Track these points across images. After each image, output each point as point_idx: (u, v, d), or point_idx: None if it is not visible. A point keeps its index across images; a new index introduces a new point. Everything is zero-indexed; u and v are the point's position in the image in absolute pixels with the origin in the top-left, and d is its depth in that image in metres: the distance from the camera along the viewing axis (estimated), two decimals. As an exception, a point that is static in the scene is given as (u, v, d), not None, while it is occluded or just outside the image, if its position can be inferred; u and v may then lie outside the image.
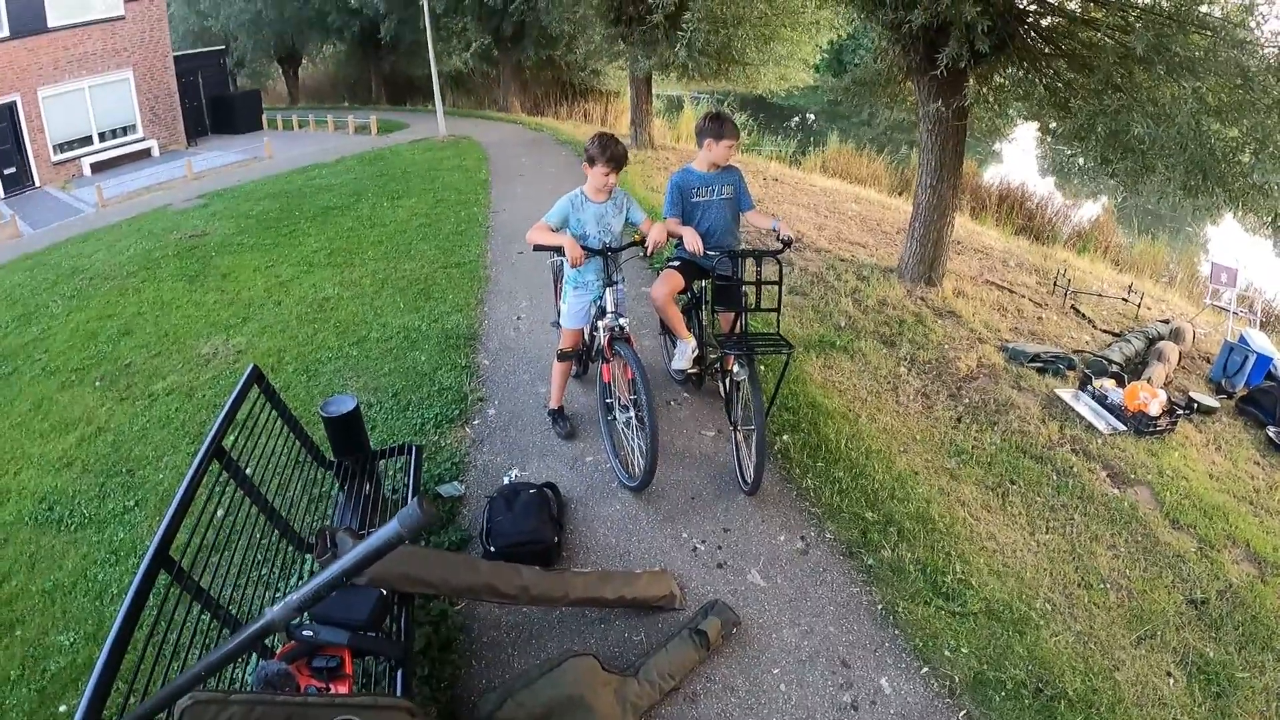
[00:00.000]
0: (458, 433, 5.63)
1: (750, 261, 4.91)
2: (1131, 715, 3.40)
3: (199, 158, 23.84)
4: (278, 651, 2.83)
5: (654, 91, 18.09)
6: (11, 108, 23.02)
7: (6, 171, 23.19)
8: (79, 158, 24.81)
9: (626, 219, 4.91)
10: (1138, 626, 3.91)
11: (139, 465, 6.15)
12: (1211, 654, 3.79)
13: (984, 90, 7.78)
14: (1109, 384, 6.11)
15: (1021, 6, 6.78)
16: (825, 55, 18.11)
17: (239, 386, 3.75)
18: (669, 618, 3.83)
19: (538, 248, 4.70)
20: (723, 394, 5.44)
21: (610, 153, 4.60)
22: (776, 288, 4.68)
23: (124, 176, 22.64)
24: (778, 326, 4.83)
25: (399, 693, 2.99)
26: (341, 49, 39.35)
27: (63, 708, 4.06)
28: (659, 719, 3.33)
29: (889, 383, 6.19)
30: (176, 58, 27.93)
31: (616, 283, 4.73)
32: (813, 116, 33.09)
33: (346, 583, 1.33)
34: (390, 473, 5.00)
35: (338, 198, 14.36)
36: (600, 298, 4.83)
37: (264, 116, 30.25)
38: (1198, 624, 3.99)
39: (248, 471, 3.55)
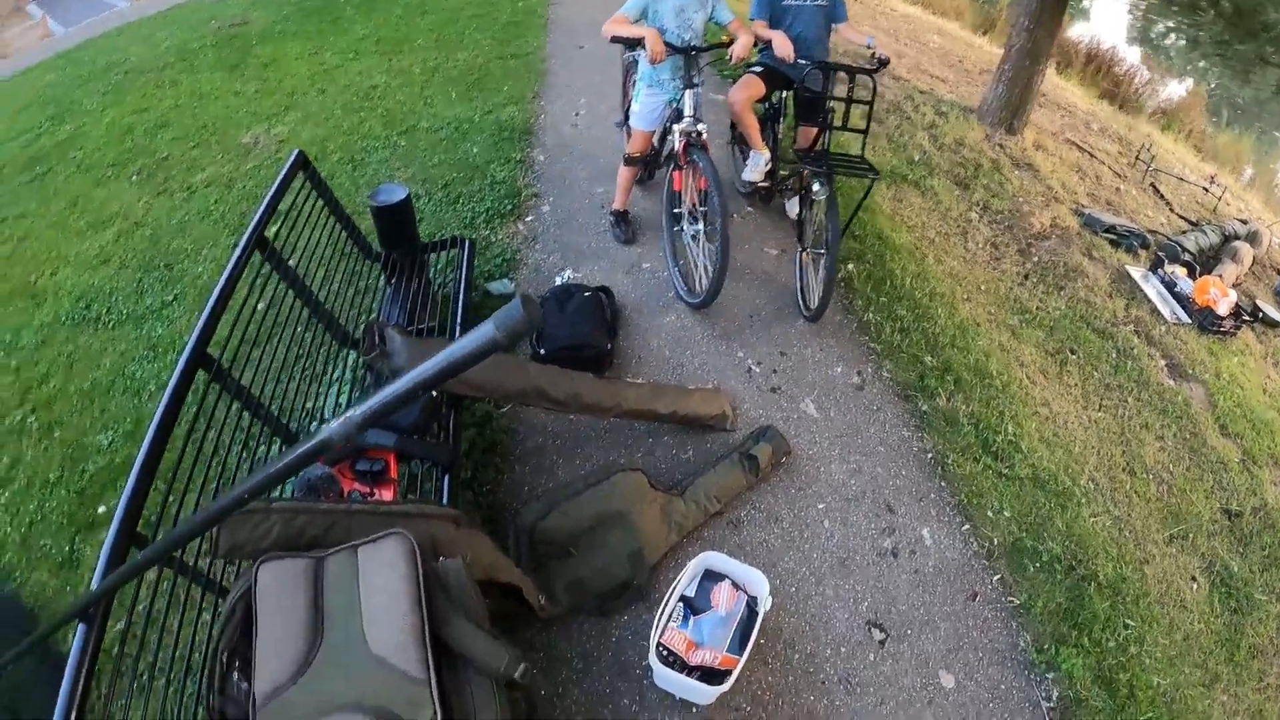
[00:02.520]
0: (509, 228, 5.47)
1: (840, 77, 4.56)
2: (1154, 611, 3.41)
3: None
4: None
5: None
6: None
7: None
8: None
9: (711, 16, 4.52)
10: (1172, 524, 3.88)
11: (177, 259, 6.08)
12: (1236, 568, 3.77)
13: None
14: (1180, 271, 5.87)
15: None
16: None
17: (282, 173, 3.56)
18: (719, 437, 3.79)
19: (615, 39, 4.35)
20: (791, 213, 5.22)
21: None
22: (867, 108, 4.40)
23: None
24: (863, 149, 4.57)
25: (444, 500, 2.97)
26: None
27: (102, 509, 4.11)
28: (701, 541, 3.33)
29: (959, 226, 5.95)
30: None
31: (696, 85, 4.40)
32: (895, -67, 31.24)
33: (421, 396, 1.22)
34: (438, 267, 4.87)
35: (387, -17, 13.66)
36: (676, 99, 4.51)
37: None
38: (1228, 535, 3.97)
39: (290, 263, 3.41)
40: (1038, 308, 5.19)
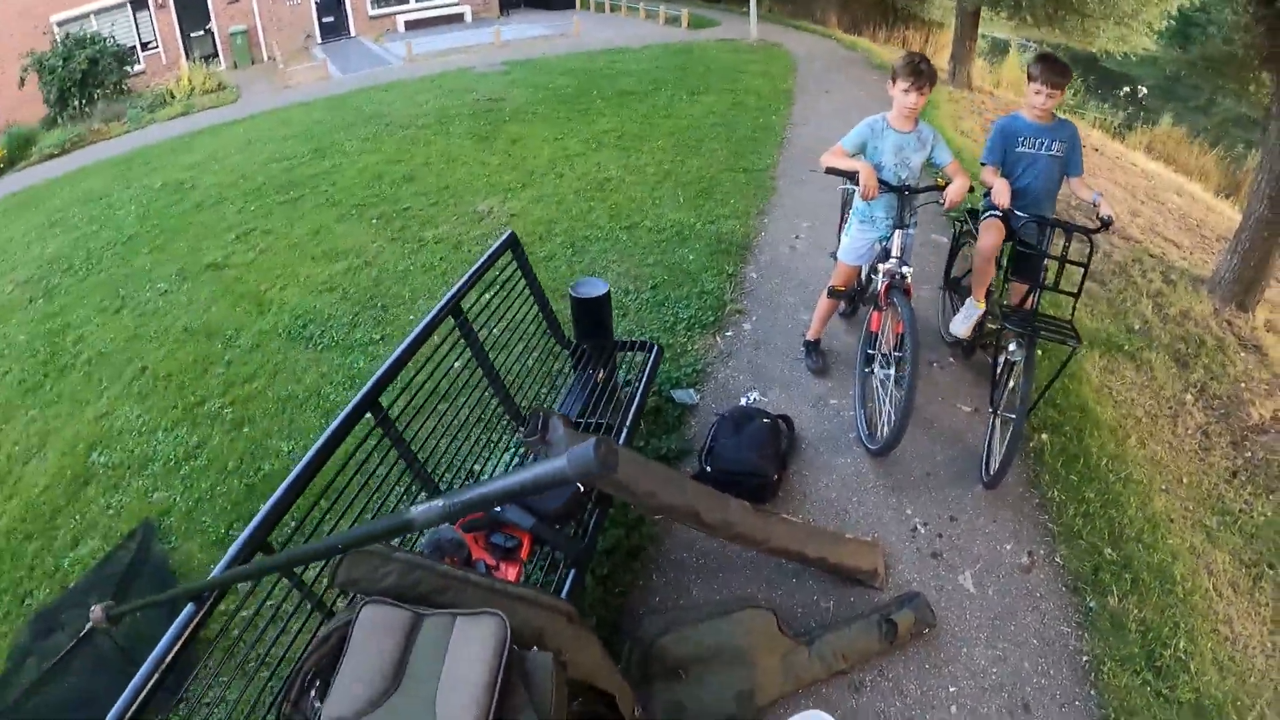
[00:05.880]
0: (706, 340, 5.63)
1: (1059, 234, 4.44)
2: None
3: (508, 27, 25.05)
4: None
5: (979, 30, 16.81)
6: None
7: (325, 20, 25.71)
8: (394, 14, 27.07)
9: (930, 158, 4.54)
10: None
11: (393, 303, 6.60)
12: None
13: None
14: None
15: None
16: (1172, 22, 16.16)
17: (493, 249, 3.88)
18: (863, 593, 3.72)
19: (830, 170, 4.45)
20: (991, 372, 5.10)
21: (914, 66, 4.25)
22: (1081, 270, 4.29)
23: (434, 36, 24.52)
24: (1071, 314, 4.45)
25: (564, 594, 3.02)
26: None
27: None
28: (816, 696, 3.26)
29: (1169, 408, 5.59)
30: (501, -72, 29.09)
31: (908, 226, 4.44)
32: (1144, 90, 30.10)
33: (494, 505, 1.31)
34: (626, 367, 5.02)
35: (637, 83, 14.49)
36: (886, 238, 4.54)
37: (577, -3, 30.71)
38: None
39: (483, 335, 3.67)
40: (1241, 510, 4.76)
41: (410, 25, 26.51)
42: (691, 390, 5.06)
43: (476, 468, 3.64)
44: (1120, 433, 5.14)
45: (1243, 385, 6.02)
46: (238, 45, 23.38)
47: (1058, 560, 4.08)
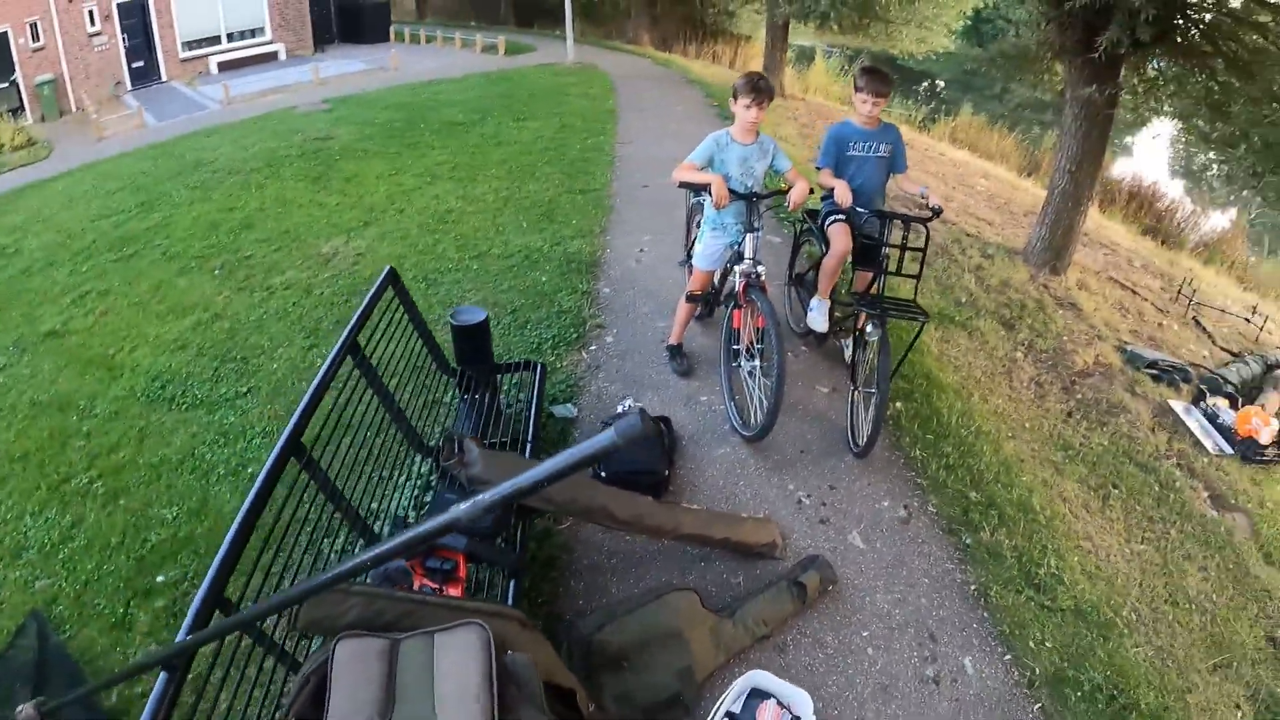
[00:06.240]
0: (574, 356, 5.79)
1: (897, 223, 4.88)
2: (1198, 740, 3.47)
3: (325, 64, 24.42)
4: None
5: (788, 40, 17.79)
6: (143, 4, 23.90)
7: (135, 65, 24.19)
8: (206, 56, 25.66)
9: (772, 166, 4.90)
10: (1215, 653, 3.95)
11: (253, 354, 6.43)
12: (1282, 695, 3.83)
13: (1135, 81, 7.57)
14: (1222, 403, 6.03)
15: (1186, -1, 6.55)
16: (967, 21, 17.58)
17: (375, 286, 3.94)
18: (768, 565, 3.97)
19: (684, 185, 4.75)
20: (845, 353, 5.50)
21: (754, 84, 4.61)
22: (920, 254, 4.73)
23: (250, 77, 23.52)
24: (915, 293, 4.89)
25: (509, 602, 3.17)
26: (475, -34, 39.10)
27: (160, 577, 4.31)
28: (747, 663, 3.47)
29: (1004, 365, 6.19)
30: (308, -37, 28.38)
31: (757, 229, 4.73)
32: (943, 84, 32.16)
33: (543, 488, 1.43)
34: (506, 388, 5.18)
35: (463, 114, 14.54)
36: (737, 242, 4.85)
37: (391, 29, 30.52)
38: (1274, 662, 4.01)
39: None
40: (1081, 444, 5.36)
41: (224, 66, 25.22)
42: (569, 405, 5.23)
43: (386, 504, 3.76)
44: (965, 393, 5.66)
45: (1065, 338, 6.70)
46: (45, 96, 21.74)
47: (931, 509, 4.49)
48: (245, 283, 7.78)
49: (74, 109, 22.08)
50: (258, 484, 2.68)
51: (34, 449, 5.78)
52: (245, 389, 5.92)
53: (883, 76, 5.07)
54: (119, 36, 23.49)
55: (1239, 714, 3.67)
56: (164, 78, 24.60)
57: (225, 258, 8.42)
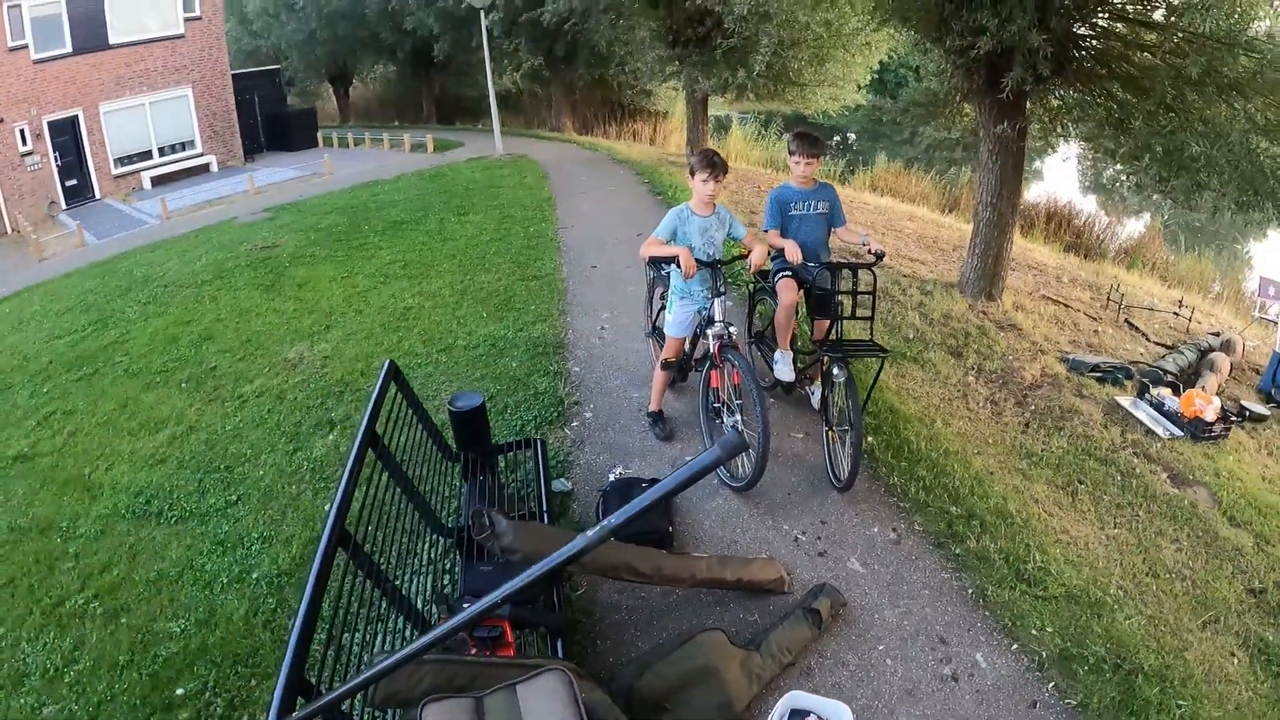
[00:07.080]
0: (558, 434, 6.00)
1: (846, 271, 5.23)
2: (1201, 690, 3.76)
3: (259, 172, 24.50)
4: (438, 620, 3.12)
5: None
6: (74, 121, 24.00)
7: (68, 183, 24.12)
8: (139, 171, 25.71)
9: (729, 233, 5.26)
10: (1202, 612, 4.28)
11: (236, 463, 6.41)
12: (1271, 638, 4.15)
13: (1041, 112, 8.09)
14: (1165, 392, 6.47)
15: (1078, 32, 7.12)
16: (875, 76, 18.48)
17: (380, 381, 4.13)
18: (778, 600, 4.24)
19: (652, 259, 5.15)
20: (814, 399, 5.84)
21: (709, 160, 4.97)
22: (870, 297, 5.10)
23: (184, 191, 23.37)
24: (871, 333, 5.26)
25: (560, 657, 3.39)
26: (392, 69, 40.09)
27: (180, 690, 4.25)
28: (778, 690, 3.67)
29: (959, 390, 6.59)
30: (234, 75, 28.79)
31: (723, 293, 5.07)
32: (853, 136, 33.41)
33: (665, 502, 1.61)
34: (504, 467, 5.38)
35: (405, 212, 14.78)
36: (706, 308, 5.16)
37: (319, 134, 30.91)
38: (1257, 610, 4.37)
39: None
40: (1042, 450, 5.75)
41: (156, 181, 25.14)
42: (563, 479, 5.44)
43: (427, 573, 4.01)
44: (928, 420, 6.04)
45: (1010, 358, 7.14)
46: (-21, 218, 21.61)
47: (918, 528, 4.82)
48: (215, 394, 7.76)
49: (9, 230, 21.77)
50: (313, 574, 2.83)
51: (20, 574, 5.60)
52: (235, 497, 5.90)
53: (814, 139, 5.52)
54: (51, 155, 23.49)
55: (1235, 660, 4.00)
56: (98, 195, 24.52)
57: (190, 370, 8.37)
